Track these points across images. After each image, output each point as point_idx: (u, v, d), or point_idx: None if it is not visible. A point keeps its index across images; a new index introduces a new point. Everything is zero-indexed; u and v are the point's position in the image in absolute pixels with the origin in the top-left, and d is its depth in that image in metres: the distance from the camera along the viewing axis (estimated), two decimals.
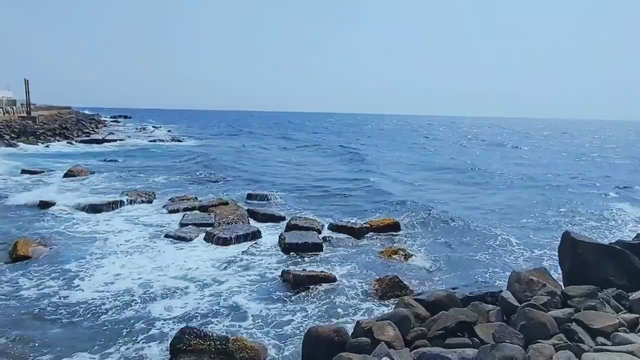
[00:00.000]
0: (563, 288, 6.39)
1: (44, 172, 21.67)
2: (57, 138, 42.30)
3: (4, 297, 7.98)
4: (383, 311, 7.47)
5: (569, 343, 4.81)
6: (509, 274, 6.70)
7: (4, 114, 49.50)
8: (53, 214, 13.80)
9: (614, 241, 7.41)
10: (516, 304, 5.80)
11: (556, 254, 7.59)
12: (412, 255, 10.92)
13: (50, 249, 10.31)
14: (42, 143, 37.44)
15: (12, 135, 37.13)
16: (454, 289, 7.26)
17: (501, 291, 6.39)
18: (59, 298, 8.03)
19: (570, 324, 5.21)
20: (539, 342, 4.86)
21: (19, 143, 34.78)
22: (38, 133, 41.12)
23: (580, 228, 13.84)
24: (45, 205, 14.65)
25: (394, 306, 7.03)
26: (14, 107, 58.58)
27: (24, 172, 21.36)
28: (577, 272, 6.64)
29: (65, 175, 20.68)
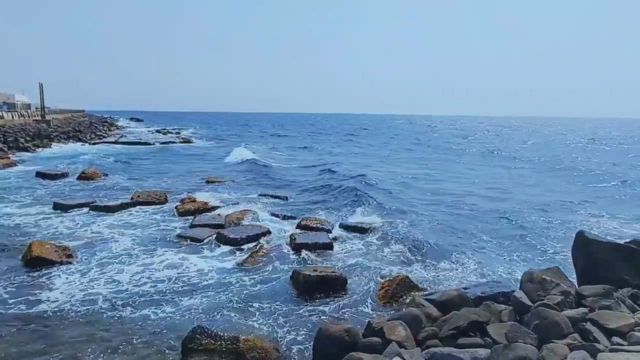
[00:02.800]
0: (577, 288, 6.31)
1: (57, 174, 21.96)
2: (71, 141, 42.94)
3: (18, 297, 8.10)
4: (394, 311, 7.43)
5: (584, 343, 4.75)
6: (522, 273, 6.63)
7: (19, 118, 50.35)
8: (66, 216, 13.98)
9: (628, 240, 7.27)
10: (529, 303, 5.73)
11: (570, 253, 7.49)
12: (422, 254, 10.85)
13: (64, 250, 10.42)
14: (56, 145, 38.01)
15: (27, 138, 37.72)
16: (465, 288, 7.21)
17: (513, 291, 6.33)
18: (72, 298, 8.11)
19: (584, 323, 5.14)
20: (553, 342, 4.80)
21: (33, 146, 35.32)
22: (52, 136, 41.76)
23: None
24: (58, 206, 14.85)
25: (405, 306, 7.00)
26: (29, 111, 59.61)
27: (38, 174, 21.67)
28: (591, 272, 6.55)
29: (79, 178, 20.95)
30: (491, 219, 14.97)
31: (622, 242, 6.80)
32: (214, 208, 15.10)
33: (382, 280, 8.99)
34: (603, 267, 6.41)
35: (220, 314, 7.68)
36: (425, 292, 8.08)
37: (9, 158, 27.16)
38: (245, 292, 8.58)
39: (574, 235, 7.18)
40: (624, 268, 6.35)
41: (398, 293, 8.31)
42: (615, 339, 4.83)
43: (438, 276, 9.59)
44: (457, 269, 10.01)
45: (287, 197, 17.90)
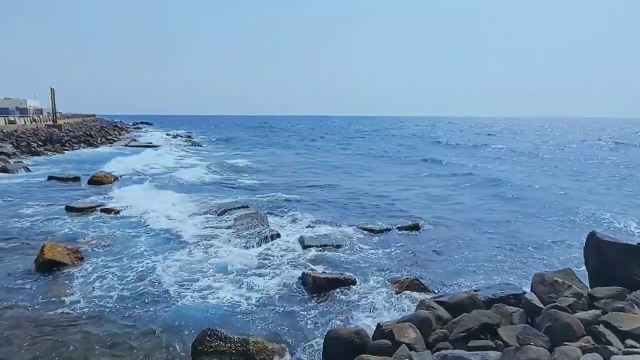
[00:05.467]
0: (589, 289, 6.24)
1: (69, 178, 22.21)
2: (82, 145, 43.44)
3: (30, 299, 8.19)
4: (404, 313, 7.40)
5: (597, 345, 4.69)
6: (533, 275, 6.57)
7: (31, 123, 51.06)
8: (78, 218, 14.12)
9: None
10: (540, 305, 5.68)
11: (582, 254, 7.40)
12: (432, 256, 10.79)
13: (76, 252, 10.54)
14: (68, 149, 38.48)
15: (39, 143, 38.24)
16: (476, 290, 7.14)
17: (525, 293, 6.27)
18: (82, 300, 8.18)
19: (597, 325, 5.08)
20: (565, 345, 4.75)
21: (45, 150, 35.79)
22: (64, 140, 42.27)
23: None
24: (70, 209, 15.02)
25: (414, 308, 6.96)
26: (41, 116, 60.44)
27: (50, 178, 21.93)
28: (603, 273, 6.46)
29: (90, 181, 21.16)
30: (500, 221, 14.87)
31: (635, 242, 6.71)
32: (224, 211, 15.15)
33: (393, 282, 8.96)
34: (616, 269, 6.33)
35: (229, 315, 7.70)
36: (435, 294, 8.05)
37: (21, 162, 27.54)
38: (254, 294, 8.60)
39: (585, 236, 7.11)
40: (637, 269, 6.26)
41: (408, 295, 8.27)
42: (629, 342, 4.77)
43: (448, 278, 9.53)
44: (467, 271, 9.95)
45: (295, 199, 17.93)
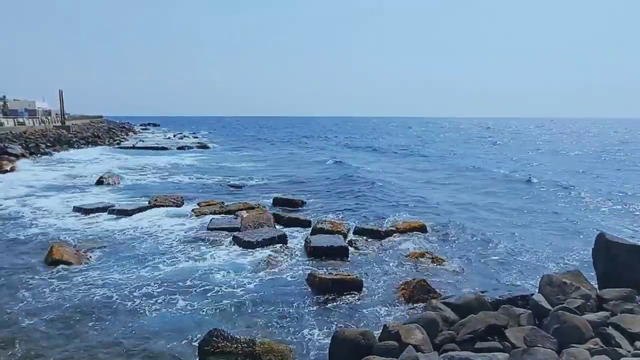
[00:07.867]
0: (598, 291, 6.19)
1: (77, 177, 22.39)
2: (90, 146, 43.83)
3: (37, 299, 8.26)
4: (410, 314, 7.38)
5: (605, 347, 4.65)
6: (541, 276, 6.53)
7: (40, 124, 51.54)
8: (85, 219, 14.24)
9: None
10: (548, 307, 5.64)
11: (590, 256, 7.34)
12: (439, 258, 10.75)
13: (83, 252, 10.62)
14: (76, 150, 38.83)
15: (48, 144, 38.57)
16: (483, 292, 7.13)
17: (532, 294, 6.24)
18: (87, 300, 8.22)
19: (606, 327, 5.04)
20: (574, 347, 4.71)
21: (54, 151, 36.12)
22: (72, 141, 42.63)
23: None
24: (78, 210, 15.14)
25: (421, 309, 6.95)
26: (49, 117, 60.98)
27: (58, 180, 22.11)
28: (612, 275, 6.41)
29: (97, 182, 21.32)
30: (507, 222, 14.79)
31: None
32: (230, 211, 15.19)
33: (399, 284, 8.94)
34: (625, 270, 6.28)
35: (236, 316, 7.72)
36: (442, 296, 8.01)
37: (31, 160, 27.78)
38: (261, 294, 8.60)
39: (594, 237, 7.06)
40: None
41: (415, 296, 8.24)
42: (639, 344, 4.73)
43: (455, 279, 9.49)
44: (473, 272, 9.90)
45: (304, 202, 17.92)
